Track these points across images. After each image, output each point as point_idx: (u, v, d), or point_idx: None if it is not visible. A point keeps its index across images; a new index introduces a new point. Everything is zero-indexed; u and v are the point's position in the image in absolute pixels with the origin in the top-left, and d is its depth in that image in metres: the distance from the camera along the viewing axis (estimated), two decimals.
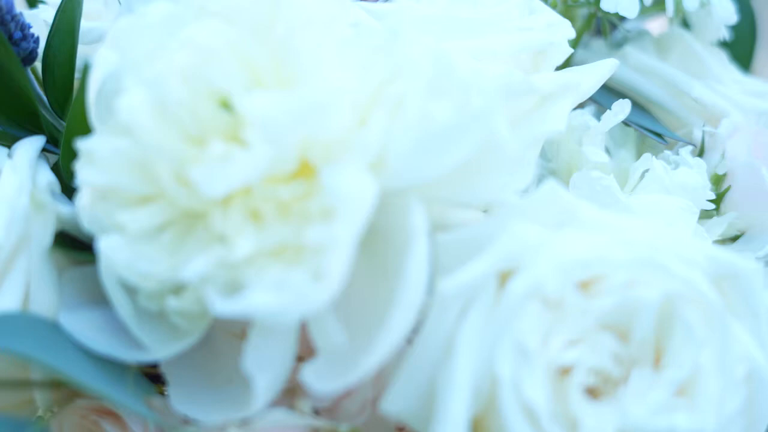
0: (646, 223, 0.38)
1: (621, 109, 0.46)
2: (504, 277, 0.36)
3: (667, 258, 0.36)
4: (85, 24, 0.47)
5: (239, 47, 0.37)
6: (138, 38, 0.37)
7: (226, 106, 0.36)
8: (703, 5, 0.53)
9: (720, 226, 0.47)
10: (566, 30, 0.44)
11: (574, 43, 0.56)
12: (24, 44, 0.42)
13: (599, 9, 0.52)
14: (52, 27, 0.45)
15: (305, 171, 0.36)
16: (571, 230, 0.36)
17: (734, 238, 0.48)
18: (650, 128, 0.50)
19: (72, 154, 0.38)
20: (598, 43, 0.57)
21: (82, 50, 0.46)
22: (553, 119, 0.41)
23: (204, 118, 0.36)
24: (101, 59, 0.37)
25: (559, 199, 0.37)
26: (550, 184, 0.37)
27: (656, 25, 0.59)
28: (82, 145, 0.37)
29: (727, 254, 0.37)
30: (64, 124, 0.45)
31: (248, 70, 0.36)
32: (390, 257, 0.36)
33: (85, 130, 0.38)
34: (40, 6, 0.50)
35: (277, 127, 0.34)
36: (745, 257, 0.37)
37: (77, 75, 0.46)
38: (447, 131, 0.35)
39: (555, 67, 0.44)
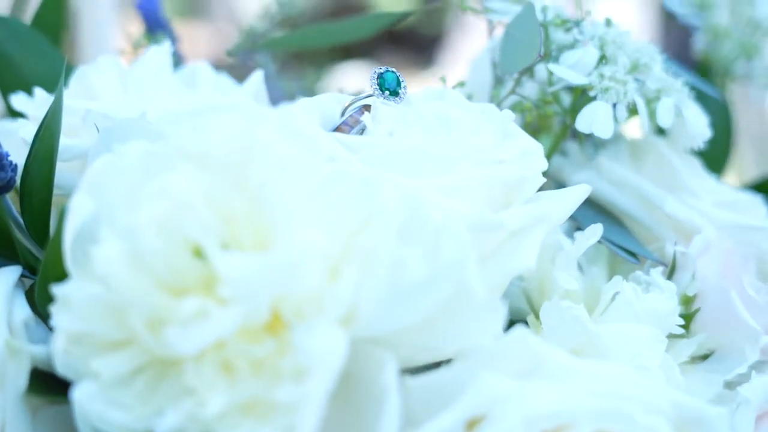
0: (612, 368, 0.40)
1: (594, 232, 0.48)
2: (471, 424, 0.38)
3: (632, 407, 0.37)
4: (63, 141, 0.48)
5: (214, 196, 0.38)
6: (114, 183, 0.39)
7: (200, 255, 0.37)
8: (677, 115, 0.54)
9: (689, 347, 0.48)
10: (539, 162, 0.45)
11: (551, 151, 0.57)
12: (2, 174, 0.44)
13: (573, 122, 0.54)
14: (30, 153, 0.46)
15: (277, 323, 0.37)
16: (539, 380, 0.38)
17: (704, 357, 0.50)
18: (623, 245, 0.51)
19: (48, 297, 0.39)
20: (573, 148, 0.59)
21: (60, 167, 0.48)
22: (523, 255, 0.43)
23: (179, 268, 0.37)
24: (77, 205, 0.38)
25: (528, 347, 0.39)
26: (520, 331, 0.39)
27: (632, 127, 0.60)
28: (57, 290, 0.38)
29: (692, 400, 0.39)
30: (42, 251, 0.46)
31: (223, 220, 0.38)
32: (361, 408, 0.37)
33: (62, 273, 0.39)
34: (20, 120, 0.51)
35: (251, 288, 0.35)
36: (710, 405, 0.39)
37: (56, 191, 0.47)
38: (418, 284, 0.37)
39: (527, 198, 0.45)
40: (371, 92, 0.46)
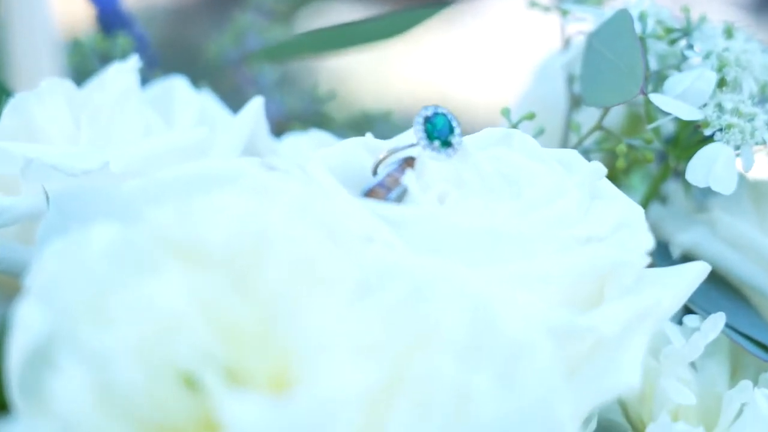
0: None
1: (715, 324, 0.47)
2: None
3: None
4: None
5: (213, 307, 0.37)
6: (74, 286, 0.38)
7: (193, 386, 0.36)
8: None
9: None
10: (641, 238, 0.44)
11: (648, 197, 0.56)
12: None
13: (678, 162, 0.53)
14: None
15: None
16: None
17: None
18: (749, 333, 0.50)
19: None
20: (676, 192, 0.58)
21: None
22: (623, 368, 0.42)
23: (165, 403, 0.36)
24: (26, 320, 0.37)
25: None
26: None
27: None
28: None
29: None
30: None
31: (226, 341, 0.37)
32: None
33: (2, 404, 0.38)
34: None
35: None
36: None
37: None
38: (490, 422, 0.36)
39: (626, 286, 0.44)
40: (415, 141, 0.45)
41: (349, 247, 0.39)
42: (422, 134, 0.45)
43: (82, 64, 0.62)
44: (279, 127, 0.64)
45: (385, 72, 1.99)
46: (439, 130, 0.45)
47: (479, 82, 2.14)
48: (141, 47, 0.62)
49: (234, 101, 0.60)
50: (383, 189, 0.45)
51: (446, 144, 0.45)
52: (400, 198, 0.45)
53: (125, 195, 0.42)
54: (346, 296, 0.37)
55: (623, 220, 0.45)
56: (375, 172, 0.46)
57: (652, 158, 0.53)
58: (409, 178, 0.44)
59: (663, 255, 0.54)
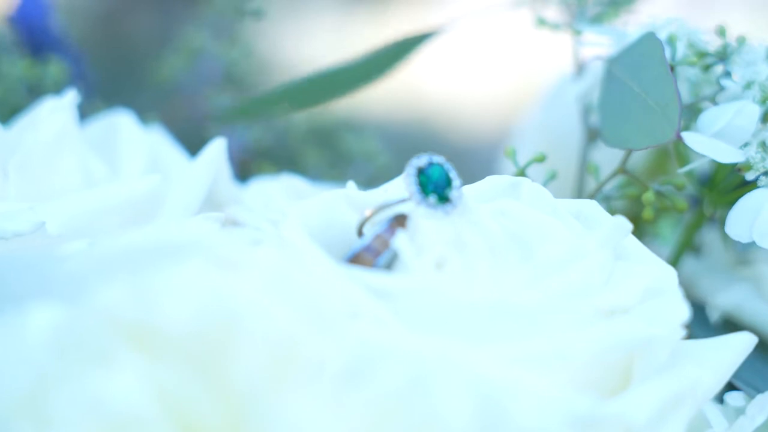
0: None
1: (762, 406, 0.48)
2: None
3: None
4: None
5: (173, 400, 0.38)
6: (12, 381, 0.39)
7: None
8: None
9: None
10: (674, 308, 0.45)
11: (680, 249, 0.57)
12: None
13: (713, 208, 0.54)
14: None
15: None
16: None
17: None
18: None
19: None
20: (712, 242, 0.59)
21: None
22: None
23: None
24: None
25: None
26: None
27: None
28: None
29: None
30: None
31: None
32: None
33: None
34: None
35: None
36: None
37: None
38: None
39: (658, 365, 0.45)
40: (407, 195, 0.46)
41: (334, 327, 0.40)
42: (415, 188, 0.46)
43: (7, 97, 0.62)
44: (243, 166, 0.65)
45: None
46: (435, 183, 0.46)
47: (459, 84, 2.16)
48: (77, 74, 0.63)
49: (186, 128, 0.61)
50: (370, 254, 0.46)
51: (443, 199, 0.46)
52: (390, 264, 0.45)
53: (68, 267, 0.43)
54: (330, 385, 0.38)
55: (653, 285, 0.46)
56: (360, 233, 0.47)
57: (686, 207, 0.53)
58: (400, 240, 0.45)
59: (699, 319, 0.55)
